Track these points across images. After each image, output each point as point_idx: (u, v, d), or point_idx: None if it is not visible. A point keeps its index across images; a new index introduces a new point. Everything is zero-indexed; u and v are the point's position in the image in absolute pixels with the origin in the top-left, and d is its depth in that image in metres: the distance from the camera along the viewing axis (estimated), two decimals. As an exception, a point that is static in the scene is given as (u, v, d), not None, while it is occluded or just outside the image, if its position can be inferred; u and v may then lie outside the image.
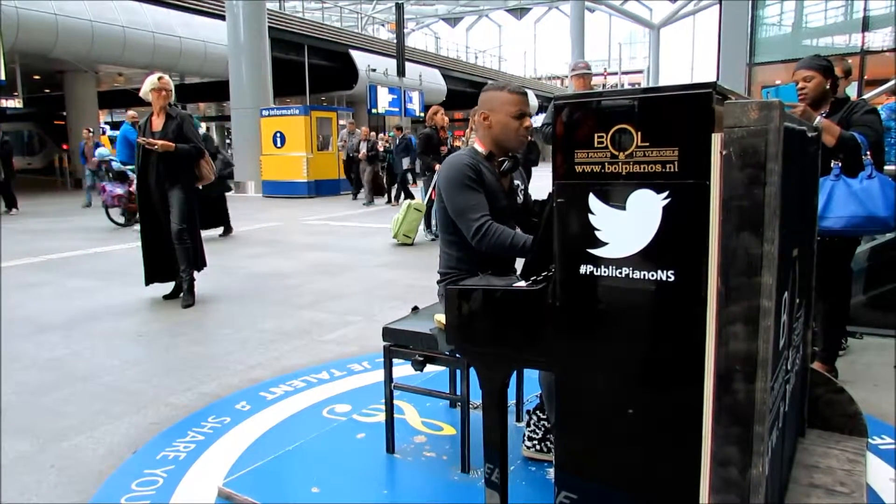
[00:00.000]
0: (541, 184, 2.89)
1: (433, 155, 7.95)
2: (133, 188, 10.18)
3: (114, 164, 10.03)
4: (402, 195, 11.73)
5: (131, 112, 10.15)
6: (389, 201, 13.26)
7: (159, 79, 4.78)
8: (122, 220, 9.93)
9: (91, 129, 14.68)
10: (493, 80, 2.74)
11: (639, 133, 1.40)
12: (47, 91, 23.34)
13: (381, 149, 13.90)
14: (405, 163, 11.82)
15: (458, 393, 2.33)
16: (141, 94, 4.83)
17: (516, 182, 2.45)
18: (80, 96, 19.01)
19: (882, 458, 2.40)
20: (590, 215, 1.47)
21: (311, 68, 22.51)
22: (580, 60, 5.48)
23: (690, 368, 1.37)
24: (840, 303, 3.14)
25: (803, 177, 1.97)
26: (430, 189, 8.09)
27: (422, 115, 14.25)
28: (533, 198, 2.52)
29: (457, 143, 13.06)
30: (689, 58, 45.73)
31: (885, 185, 2.81)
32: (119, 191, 9.64)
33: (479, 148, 2.34)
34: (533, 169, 6.21)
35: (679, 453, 1.42)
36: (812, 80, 2.97)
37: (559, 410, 1.60)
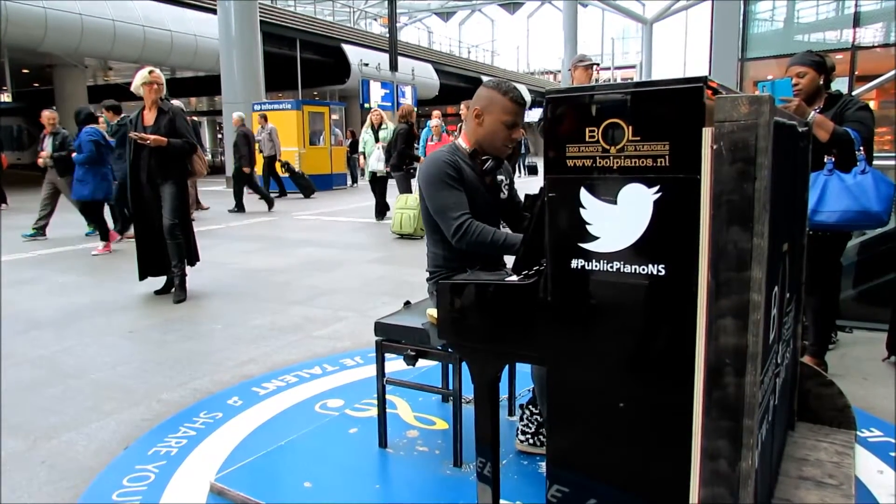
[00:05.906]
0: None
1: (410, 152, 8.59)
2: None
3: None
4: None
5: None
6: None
7: (150, 73, 4.76)
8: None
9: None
10: (491, 77, 2.72)
11: (630, 127, 1.40)
12: (36, 85, 23.15)
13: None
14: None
15: (451, 387, 2.34)
16: (132, 88, 4.80)
17: (500, 177, 2.41)
18: (69, 91, 18.86)
19: (870, 451, 2.42)
20: (581, 209, 1.47)
21: (304, 63, 22.40)
22: (584, 54, 5.49)
23: (681, 362, 1.38)
24: (830, 297, 3.16)
25: (794, 171, 1.98)
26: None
27: (415, 109, 14.21)
28: (520, 192, 2.49)
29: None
30: (682, 53, 45.78)
31: (878, 180, 2.83)
32: None
33: (464, 144, 2.31)
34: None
35: (669, 447, 1.42)
36: (805, 76, 3.00)
37: (551, 405, 1.61)
